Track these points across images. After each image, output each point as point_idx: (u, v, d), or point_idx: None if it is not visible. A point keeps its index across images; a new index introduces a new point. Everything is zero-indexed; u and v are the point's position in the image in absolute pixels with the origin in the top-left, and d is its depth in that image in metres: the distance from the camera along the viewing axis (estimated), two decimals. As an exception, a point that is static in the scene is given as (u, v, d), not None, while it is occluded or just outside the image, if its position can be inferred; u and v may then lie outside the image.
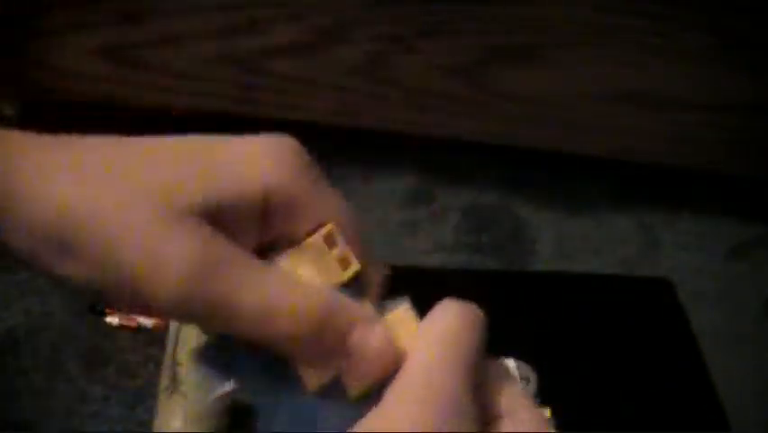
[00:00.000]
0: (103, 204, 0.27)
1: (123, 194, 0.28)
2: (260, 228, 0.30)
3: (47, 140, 0.31)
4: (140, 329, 0.82)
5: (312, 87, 0.95)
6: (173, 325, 0.77)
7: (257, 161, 0.30)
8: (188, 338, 0.75)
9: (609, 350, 0.85)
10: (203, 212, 0.28)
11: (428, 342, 0.29)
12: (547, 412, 0.76)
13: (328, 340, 0.28)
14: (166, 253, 0.26)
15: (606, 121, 0.94)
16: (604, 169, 1.01)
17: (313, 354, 0.28)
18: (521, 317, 0.87)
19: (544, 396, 0.78)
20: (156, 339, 0.81)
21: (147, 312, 0.30)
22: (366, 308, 0.30)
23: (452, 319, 0.31)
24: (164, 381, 0.72)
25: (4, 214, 0.28)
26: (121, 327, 0.82)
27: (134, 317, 0.82)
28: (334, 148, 1.06)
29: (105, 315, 0.83)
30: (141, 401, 0.76)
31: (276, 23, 0.90)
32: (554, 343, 0.85)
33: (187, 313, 0.28)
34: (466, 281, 0.92)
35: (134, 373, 0.79)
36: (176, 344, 0.74)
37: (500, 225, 1.00)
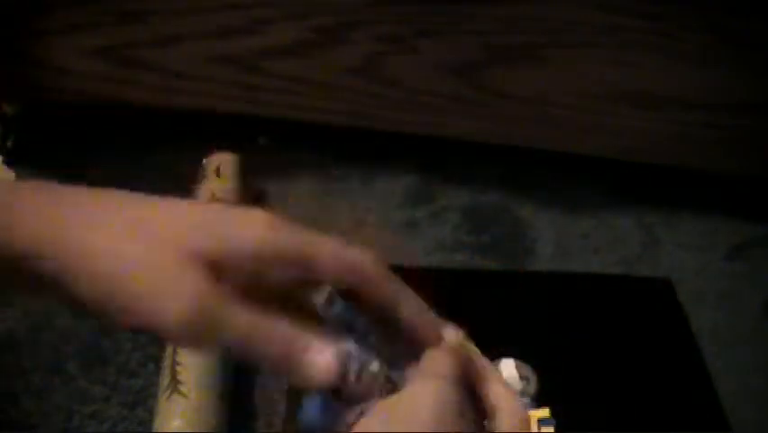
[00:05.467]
0: (143, 258, 0.36)
1: (156, 249, 0.36)
2: (254, 275, 0.37)
3: (79, 194, 0.38)
4: (140, 329, 0.82)
5: (312, 87, 0.95)
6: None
7: (250, 225, 0.38)
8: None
9: (609, 350, 0.85)
10: (206, 260, 0.36)
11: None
12: (547, 412, 0.76)
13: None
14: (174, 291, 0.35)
15: (606, 121, 0.94)
16: (604, 169, 1.01)
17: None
18: (521, 317, 0.87)
19: (544, 396, 0.78)
20: (156, 339, 0.81)
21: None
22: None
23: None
24: (164, 381, 0.72)
25: (65, 269, 0.35)
26: (121, 327, 0.82)
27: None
28: (334, 148, 1.07)
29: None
30: (142, 401, 0.76)
31: (276, 23, 0.90)
32: (554, 343, 0.85)
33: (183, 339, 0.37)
34: (466, 281, 0.92)
35: (134, 372, 0.79)
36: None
37: (500, 225, 1.00)
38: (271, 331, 0.36)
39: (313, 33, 0.90)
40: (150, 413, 0.72)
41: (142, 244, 0.36)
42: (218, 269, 0.36)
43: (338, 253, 0.38)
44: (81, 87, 0.95)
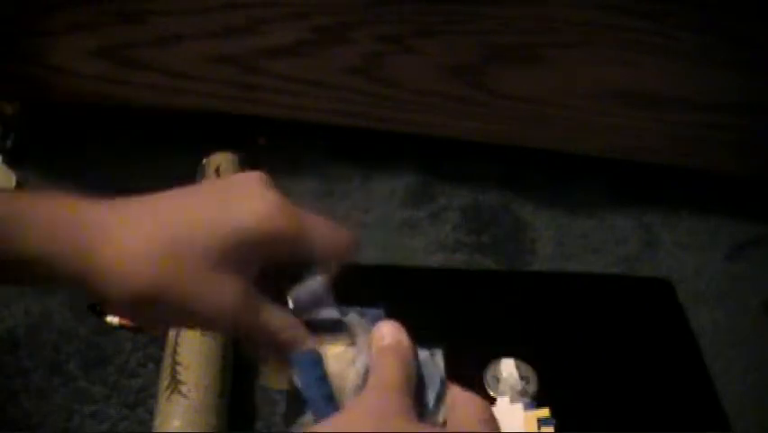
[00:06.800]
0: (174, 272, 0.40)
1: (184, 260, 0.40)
2: (263, 258, 0.42)
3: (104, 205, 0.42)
4: (140, 329, 0.82)
5: (312, 87, 0.95)
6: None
7: (259, 212, 0.43)
8: (188, 339, 0.75)
9: (609, 350, 0.85)
10: (227, 250, 0.41)
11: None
12: (547, 412, 0.76)
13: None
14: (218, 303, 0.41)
15: (606, 121, 0.94)
16: (604, 169, 1.01)
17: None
18: (521, 317, 0.87)
19: (544, 396, 0.78)
20: (156, 339, 0.81)
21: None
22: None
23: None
24: (164, 381, 0.72)
25: (97, 282, 0.39)
26: (121, 327, 0.82)
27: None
28: (334, 148, 1.07)
29: (104, 315, 0.83)
30: (142, 401, 0.77)
31: (276, 23, 0.90)
32: (554, 343, 0.85)
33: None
34: (466, 281, 0.92)
35: (134, 373, 0.79)
36: (176, 344, 0.75)
37: (500, 225, 1.00)
38: (294, 334, 0.42)
39: (313, 33, 0.90)
40: (151, 413, 0.72)
41: (168, 247, 0.40)
42: (236, 256, 0.40)
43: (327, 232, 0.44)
44: (81, 87, 0.95)
